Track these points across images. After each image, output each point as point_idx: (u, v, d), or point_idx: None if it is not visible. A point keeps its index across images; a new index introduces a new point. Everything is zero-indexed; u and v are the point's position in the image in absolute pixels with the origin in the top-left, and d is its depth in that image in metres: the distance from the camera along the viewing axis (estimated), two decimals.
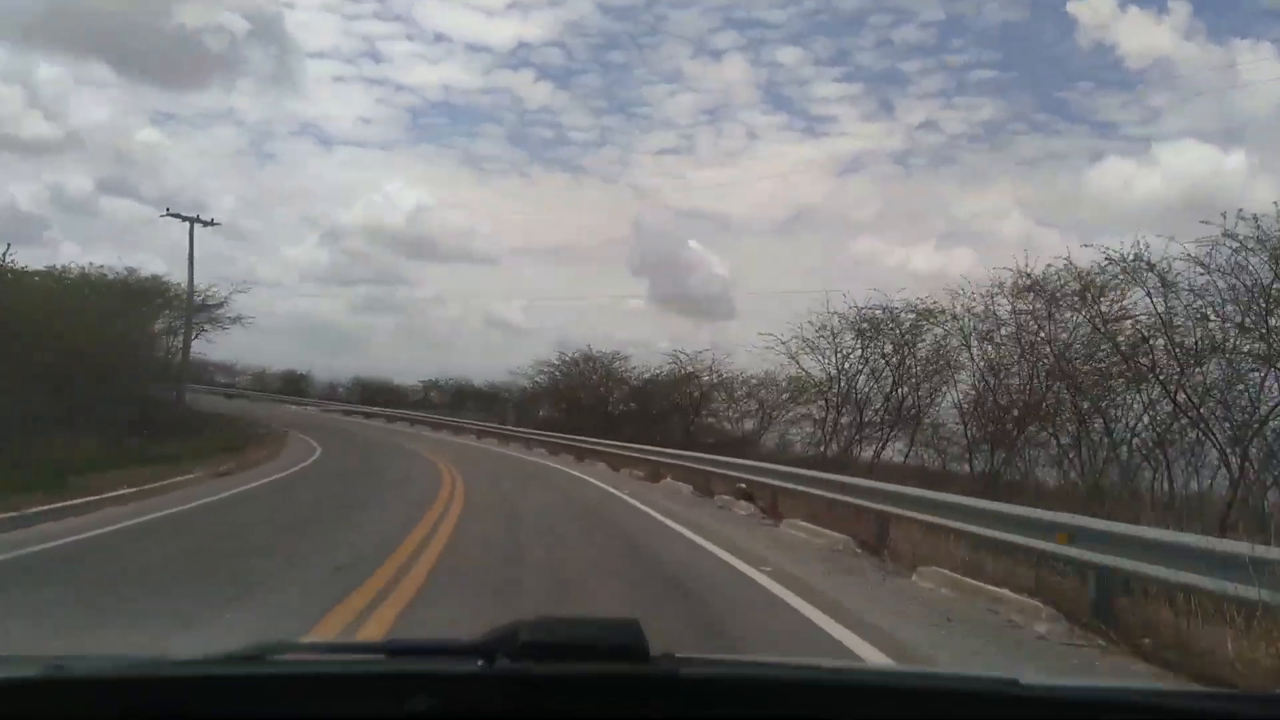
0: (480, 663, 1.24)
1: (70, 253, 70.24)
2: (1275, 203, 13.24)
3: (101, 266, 25.73)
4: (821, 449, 22.47)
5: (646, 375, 31.51)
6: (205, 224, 31.72)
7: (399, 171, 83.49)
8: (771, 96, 75.78)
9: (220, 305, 33.43)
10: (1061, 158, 58.18)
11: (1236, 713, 1.45)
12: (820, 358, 23.03)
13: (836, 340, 22.56)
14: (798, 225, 72.97)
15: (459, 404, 41.75)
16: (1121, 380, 15.58)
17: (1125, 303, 15.65)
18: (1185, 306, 14.25)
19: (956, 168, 66.92)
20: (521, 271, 78.18)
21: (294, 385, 52.05)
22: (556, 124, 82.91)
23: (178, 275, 30.90)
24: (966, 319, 19.22)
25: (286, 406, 43.35)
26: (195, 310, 31.37)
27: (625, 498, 14.66)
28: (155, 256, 77.21)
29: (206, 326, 33.35)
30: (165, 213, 31.40)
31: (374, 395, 47.00)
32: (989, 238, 57.60)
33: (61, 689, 1.26)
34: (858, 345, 22.42)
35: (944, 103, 67.06)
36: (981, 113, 66.00)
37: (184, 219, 31.16)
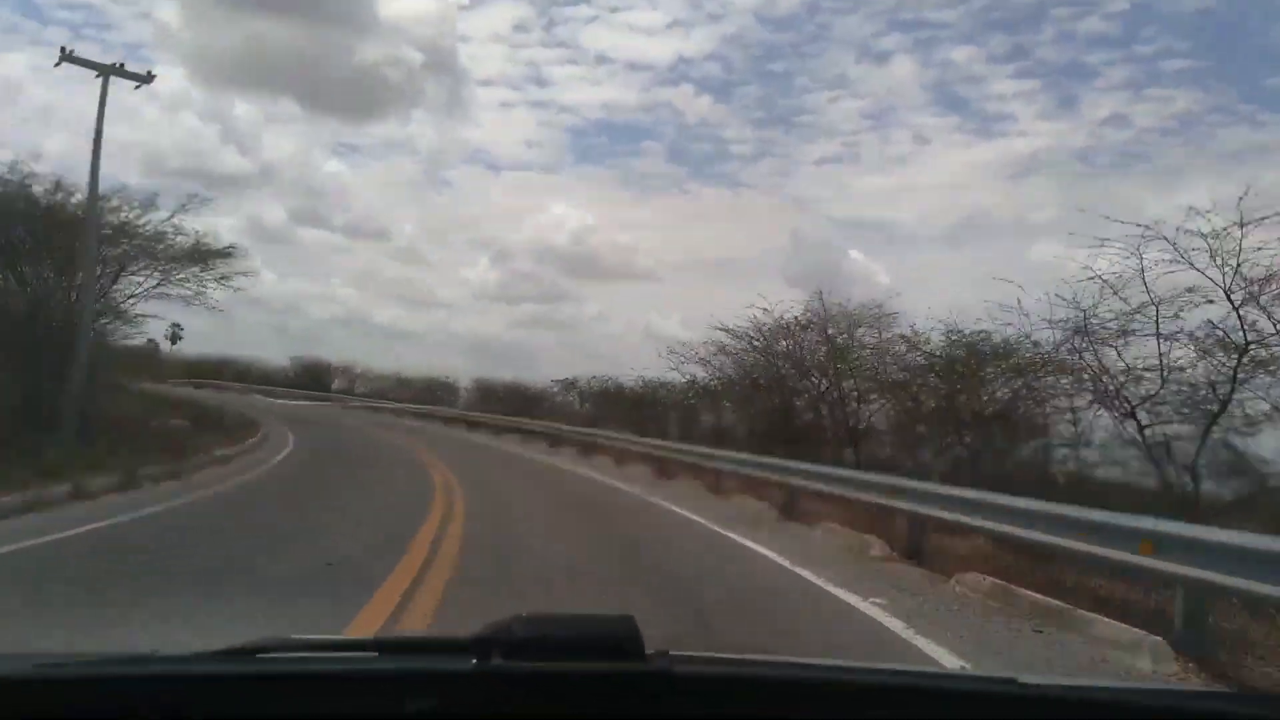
0: (474, 660, 1.24)
1: (269, 280, 76.40)
2: None
3: None
4: None
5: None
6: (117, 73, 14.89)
7: (563, 193, 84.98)
8: (941, 98, 72.21)
9: (160, 238, 17.60)
10: (1269, 151, 53.03)
11: (1238, 713, 1.46)
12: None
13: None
14: (968, 231, 69.22)
15: (605, 410, 29.42)
16: None
17: None
18: None
19: (1146, 165, 61.90)
20: (682, 286, 76.83)
21: (431, 392, 44.40)
22: (716, 138, 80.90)
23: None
24: None
25: (353, 410, 39.38)
26: (117, 235, 16.93)
27: None
28: (345, 285, 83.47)
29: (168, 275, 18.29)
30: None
31: (500, 400, 36.23)
32: (1186, 238, 52.04)
33: (54, 688, 1.26)
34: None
35: (1132, 95, 60.96)
36: (1175, 105, 60.41)
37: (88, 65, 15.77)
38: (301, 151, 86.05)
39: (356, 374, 50.21)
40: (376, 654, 1.37)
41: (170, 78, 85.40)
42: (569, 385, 33.89)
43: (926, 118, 70.74)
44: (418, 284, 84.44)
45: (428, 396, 41.74)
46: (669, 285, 76.50)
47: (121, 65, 15.94)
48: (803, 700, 1.33)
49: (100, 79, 15.53)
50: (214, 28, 72.97)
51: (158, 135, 76.80)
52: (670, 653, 1.31)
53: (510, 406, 33.28)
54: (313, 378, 49.05)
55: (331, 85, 75.33)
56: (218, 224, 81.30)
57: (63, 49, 15.57)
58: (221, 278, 19.03)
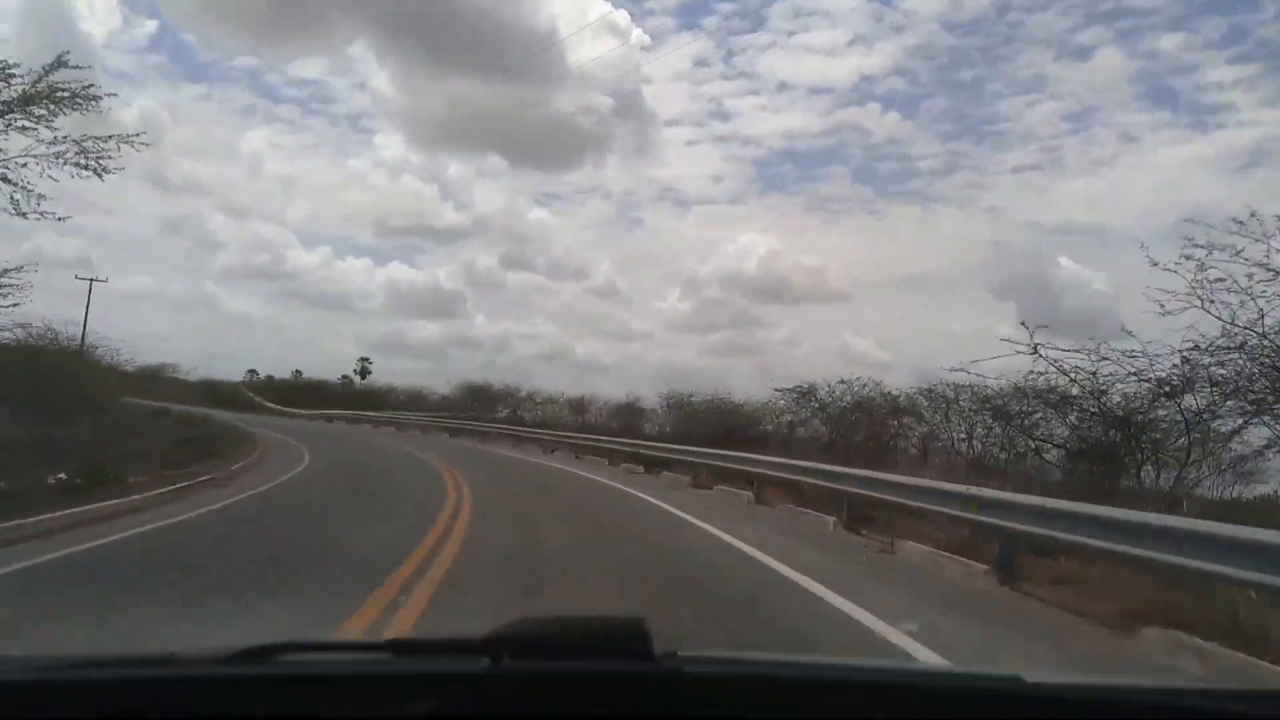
0: (486, 661, 1.24)
1: (480, 323, 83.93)
2: None
3: None
4: None
5: None
6: None
7: (749, 222, 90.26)
8: (1150, 92, 70.31)
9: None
10: None
11: (1244, 711, 1.45)
12: None
13: None
14: (1191, 230, 63.63)
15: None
16: None
17: None
18: None
19: None
20: (875, 305, 78.61)
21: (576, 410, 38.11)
22: (903, 155, 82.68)
23: None
24: None
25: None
26: None
27: None
28: (548, 322, 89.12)
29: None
30: None
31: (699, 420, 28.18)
32: None
33: (67, 690, 1.27)
34: None
35: None
36: None
37: None
38: (508, 202, 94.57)
39: (521, 398, 43.33)
40: (390, 655, 1.38)
41: (391, 144, 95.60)
42: (805, 395, 23.39)
43: (1133, 115, 67.35)
44: (614, 318, 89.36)
45: (621, 420, 33.45)
46: (861, 305, 78.39)
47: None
48: (811, 699, 1.34)
49: None
50: (422, 93, 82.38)
51: (385, 198, 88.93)
52: (680, 653, 1.32)
53: (714, 431, 24.31)
54: (473, 399, 44.83)
55: (531, 138, 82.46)
56: (438, 274, 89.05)
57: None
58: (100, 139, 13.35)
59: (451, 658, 1.38)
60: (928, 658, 4.99)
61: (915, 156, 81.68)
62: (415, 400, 49.63)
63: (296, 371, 36.74)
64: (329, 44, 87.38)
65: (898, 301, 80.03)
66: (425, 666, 1.36)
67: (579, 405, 38.93)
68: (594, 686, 1.26)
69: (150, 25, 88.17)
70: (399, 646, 1.41)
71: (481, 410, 42.75)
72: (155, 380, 47.43)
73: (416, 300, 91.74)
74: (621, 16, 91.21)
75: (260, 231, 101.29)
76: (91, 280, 43.07)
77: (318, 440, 27.37)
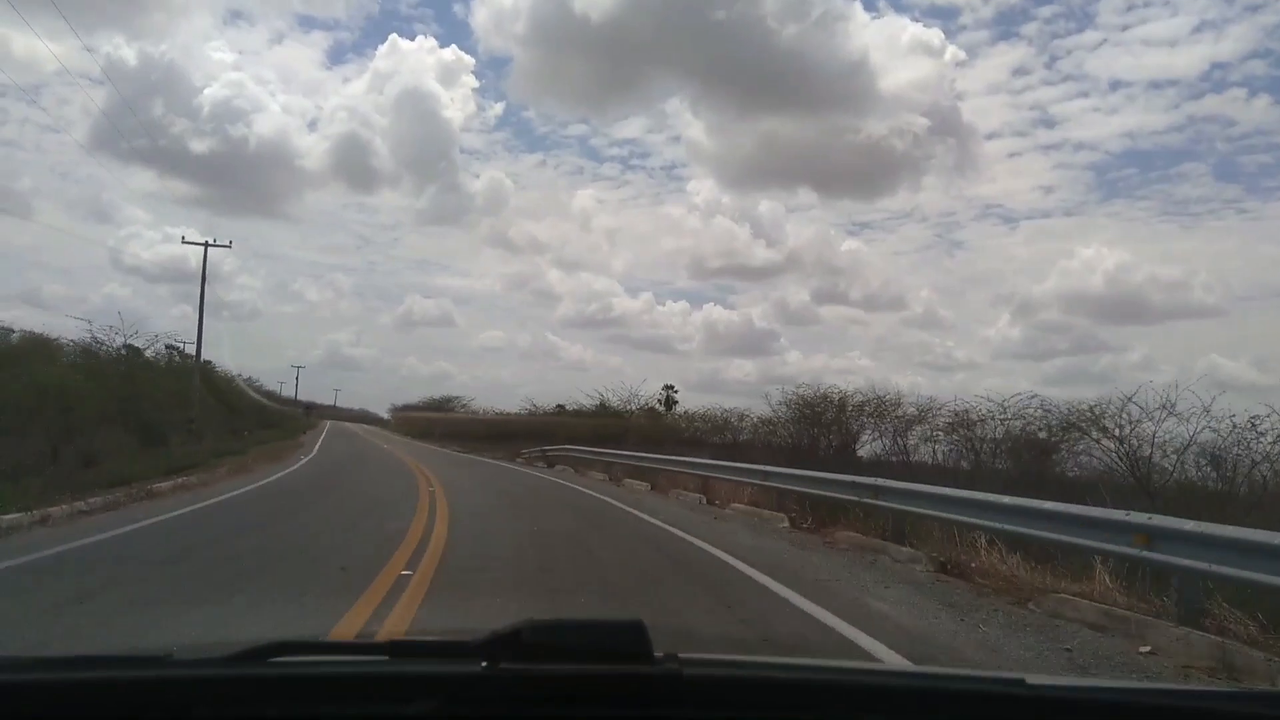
0: (484, 664, 1.23)
1: (794, 359, 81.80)
2: None
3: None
4: None
5: None
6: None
7: (1089, 234, 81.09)
8: None
9: None
10: None
11: (1245, 712, 1.45)
12: None
13: None
14: None
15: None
16: None
17: None
18: None
19: None
20: (1253, 319, 66.28)
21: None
22: (1275, 146, 72.22)
23: None
24: None
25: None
26: None
27: None
28: (864, 356, 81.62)
29: None
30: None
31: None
32: None
33: (64, 691, 1.26)
34: None
35: None
36: None
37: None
38: (820, 235, 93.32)
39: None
40: (387, 657, 1.37)
41: (703, 189, 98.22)
42: None
43: None
44: (935, 348, 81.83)
45: None
46: (1234, 320, 66.71)
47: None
48: (811, 701, 1.34)
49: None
50: (733, 137, 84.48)
51: (699, 242, 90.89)
52: (680, 655, 1.32)
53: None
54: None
55: (842, 168, 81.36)
56: (751, 312, 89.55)
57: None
58: None
59: (449, 659, 1.37)
60: None
61: None
62: (732, 429, 28.24)
63: (559, 406, 35.36)
64: (647, 104, 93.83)
65: None
66: (423, 668, 1.35)
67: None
68: (592, 688, 1.25)
69: (498, 108, 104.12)
70: (396, 648, 1.40)
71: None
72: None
73: (731, 339, 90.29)
74: (934, 35, 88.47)
75: (590, 283, 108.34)
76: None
77: None
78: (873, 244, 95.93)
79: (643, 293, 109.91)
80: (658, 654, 1.27)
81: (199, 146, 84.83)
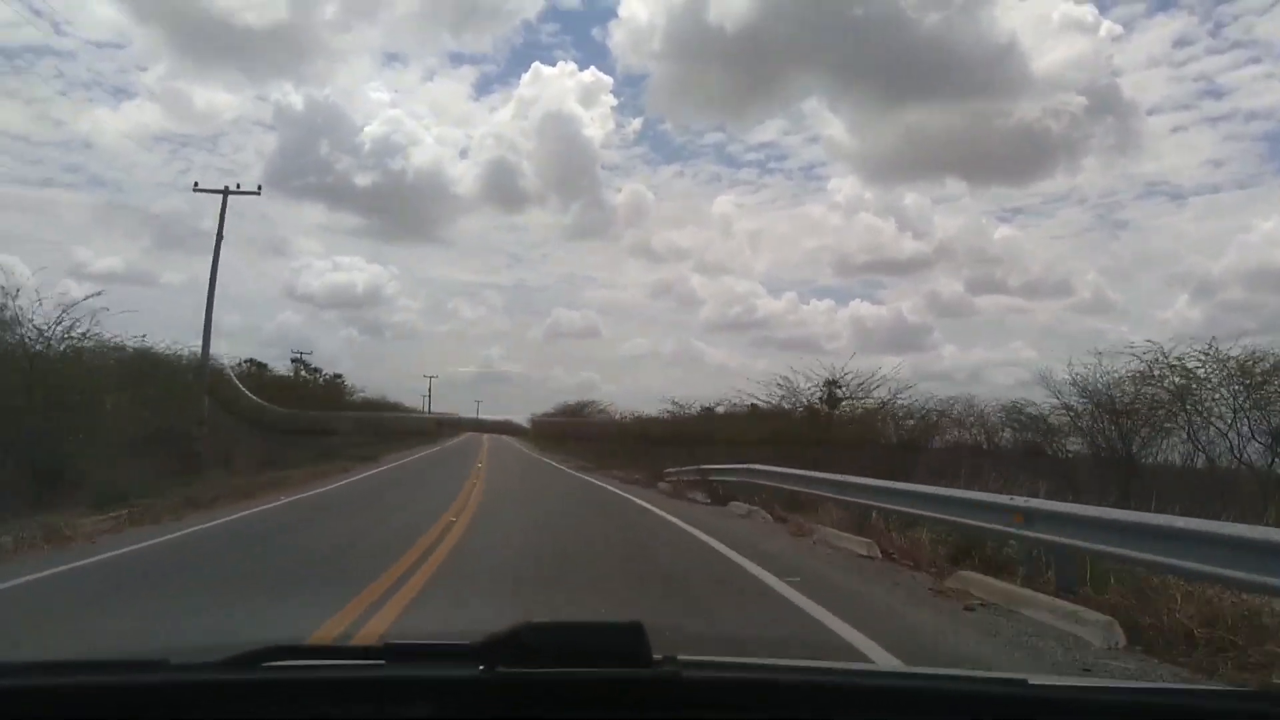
0: (480, 667, 1.23)
1: (949, 354, 75.09)
2: None
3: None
4: None
5: None
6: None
7: (1266, 207, 73.18)
8: None
9: None
10: None
11: (1251, 710, 1.45)
12: None
13: None
14: None
15: None
16: None
17: None
18: None
19: None
20: None
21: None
22: None
23: None
24: None
25: None
26: None
27: None
28: (1026, 347, 72.37)
29: None
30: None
31: None
32: None
33: (62, 695, 1.26)
34: None
35: None
36: None
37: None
38: (970, 224, 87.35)
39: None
40: (383, 661, 1.37)
41: (844, 186, 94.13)
42: None
43: None
44: (1107, 335, 77.52)
45: None
46: None
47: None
48: (811, 704, 1.33)
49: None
50: (874, 132, 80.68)
51: (842, 239, 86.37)
52: (679, 658, 1.31)
53: None
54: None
55: (992, 154, 76.53)
56: (900, 307, 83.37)
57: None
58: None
59: (446, 663, 1.36)
60: None
61: None
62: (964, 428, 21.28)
63: (706, 408, 31.36)
64: (784, 106, 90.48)
65: None
66: (419, 672, 1.34)
67: None
68: (590, 691, 1.24)
69: (636, 123, 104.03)
70: (393, 651, 1.39)
71: None
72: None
73: (880, 336, 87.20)
74: (1086, 11, 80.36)
75: (732, 286, 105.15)
76: None
77: None
78: (1027, 229, 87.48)
79: (786, 293, 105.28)
80: (656, 657, 1.27)
81: (362, 180, 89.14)
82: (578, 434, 44.26)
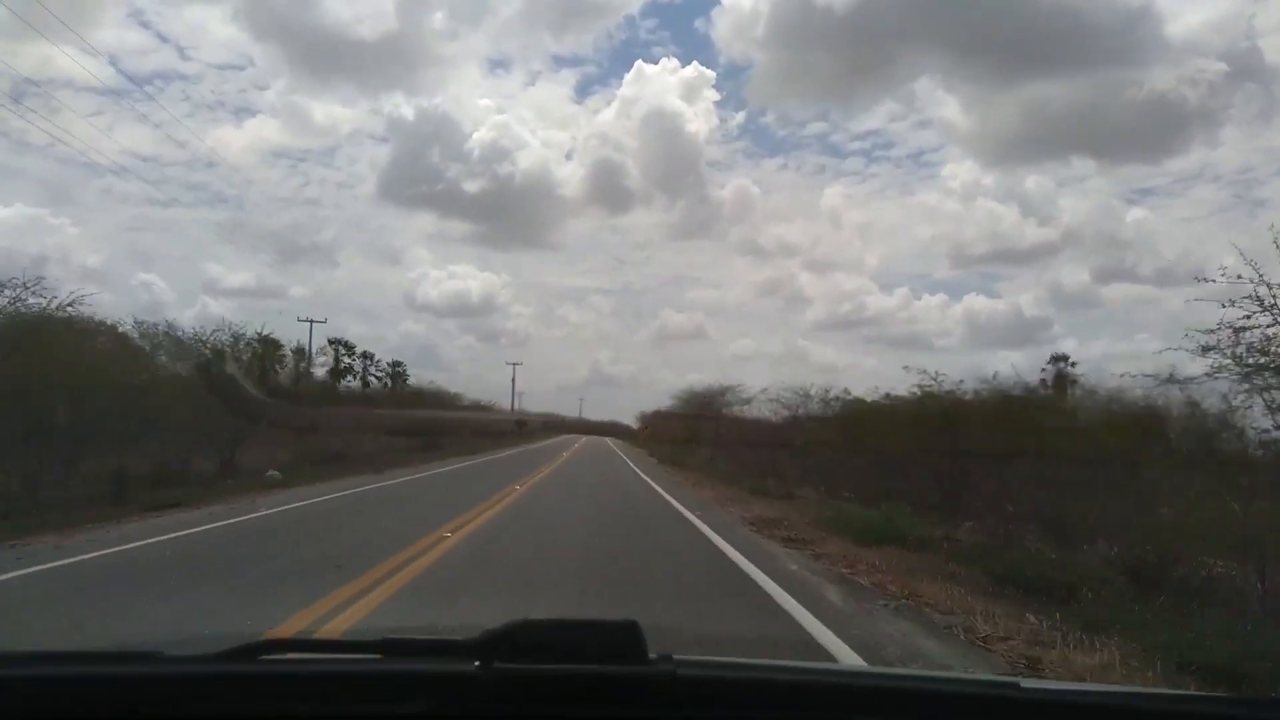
0: (477, 663, 1.24)
1: (1069, 347, 70.28)
2: None
3: None
4: None
5: None
6: None
7: None
8: None
9: None
10: None
11: (1242, 716, 1.46)
12: None
13: None
14: None
15: None
16: None
17: None
18: None
19: None
20: None
21: None
22: None
23: None
24: None
25: None
26: None
27: None
28: (1154, 339, 72.35)
29: None
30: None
31: None
32: None
33: (56, 686, 1.27)
34: None
35: None
36: None
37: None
38: (1098, 206, 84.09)
39: None
40: (380, 655, 1.37)
41: (960, 171, 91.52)
42: None
43: None
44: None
45: None
46: None
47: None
48: (805, 703, 1.34)
49: None
50: (993, 110, 77.06)
51: (959, 227, 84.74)
52: (674, 656, 1.32)
53: None
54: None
55: (1122, 129, 72.47)
56: (1019, 300, 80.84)
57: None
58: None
59: (442, 659, 1.37)
60: None
61: None
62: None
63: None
64: (893, 87, 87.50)
65: None
66: (415, 667, 1.35)
67: None
68: (586, 688, 1.25)
69: (738, 117, 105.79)
70: (389, 646, 1.40)
71: None
72: None
73: (995, 331, 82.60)
74: None
75: (842, 283, 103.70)
76: None
77: None
78: (1158, 211, 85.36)
79: (898, 288, 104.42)
80: (652, 655, 1.28)
81: (471, 187, 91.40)
82: (716, 437, 31.69)
